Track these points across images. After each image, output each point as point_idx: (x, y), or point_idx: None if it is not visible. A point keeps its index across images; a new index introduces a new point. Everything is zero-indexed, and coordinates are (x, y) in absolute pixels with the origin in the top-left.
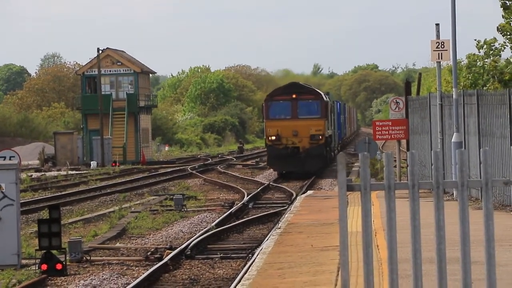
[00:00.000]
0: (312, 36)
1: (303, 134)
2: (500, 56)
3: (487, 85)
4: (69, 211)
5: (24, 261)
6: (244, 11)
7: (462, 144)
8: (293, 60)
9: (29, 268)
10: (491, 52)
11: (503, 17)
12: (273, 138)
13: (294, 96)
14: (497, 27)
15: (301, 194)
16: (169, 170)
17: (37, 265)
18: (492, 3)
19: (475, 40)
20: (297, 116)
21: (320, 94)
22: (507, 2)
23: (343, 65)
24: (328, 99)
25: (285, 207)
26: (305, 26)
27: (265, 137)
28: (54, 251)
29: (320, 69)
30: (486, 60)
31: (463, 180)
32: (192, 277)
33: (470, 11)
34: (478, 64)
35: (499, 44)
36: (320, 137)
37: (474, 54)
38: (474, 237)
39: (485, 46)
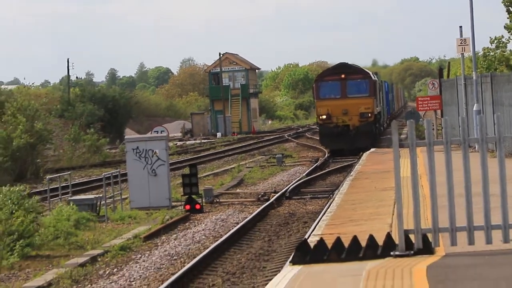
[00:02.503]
0: (368, 37)
1: (353, 112)
2: (506, 47)
3: (498, 69)
4: (203, 168)
5: (173, 203)
6: (321, 20)
7: (481, 111)
8: (357, 54)
9: (177, 208)
10: (500, 44)
11: (509, 19)
12: (324, 117)
13: (343, 76)
14: (504, 26)
15: (366, 151)
16: (271, 137)
17: (182, 206)
18: (501, 8)
19: (490, 37)
20: (346, 95)
21: (368, 73)
22: (510, 8)
23: (393, 57)
24: (376, 78)
25: (355, 161)
26: (362, 31)
27: (316, 117)
28: (194, 196)
29: (377, 62)
30: (497, 51)
31: (482, 136)
32: (290, 211)
33: (486, 15)
34: (491, 54)
35: (505, 38)
36: (370, 114)
37: (488, 48)
38: (491, 177)
39: (495, 41)
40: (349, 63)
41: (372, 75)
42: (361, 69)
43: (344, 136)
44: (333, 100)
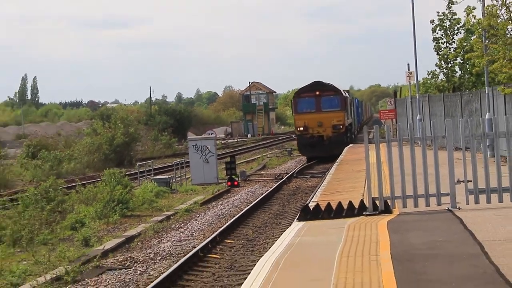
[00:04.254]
0: (347, 68)
1: (326, 124)
2: (438, 78)
3: (432, 92)
4: (239, 157)
5: (219, 181)
6: (317, 56)
7: (422, 119)
8: (340, 81)
9: (222, 184)
10: (433, 75)
11: (438, 60)
12: (301, 128)
13: (317, 93)
14: (435, 64)
15: (347, 146)
16: (284, 137)
17: (225, 182)
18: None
19: (428, 71)
20: (320, 109)
21: (340, 91)
22: (439, 51)
23: (363, 83)
24: (347, 95)
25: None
26: (344, 63)
27: (294, 128)
28: (233, 176)
29: (353, 87)
30: (432, 80)
31: (423, 136)
32: (297, 186)
33: (425, 53)
34: (428, 82)
35: (437, 72)
36: (341, 126)
37: (426, 78)
38: (429, 163)
39: (431, 73)
40: (323, 81)
41: (343, 92)
42: (333, 86)
43: (319, 145)
44: (309, 114)
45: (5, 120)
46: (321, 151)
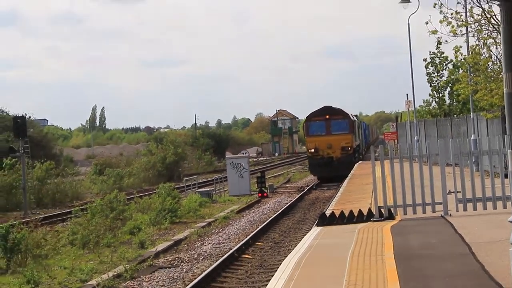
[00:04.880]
0: (357, 97)
1: (336, 146)
2: (431, 105)
3: (427, 117)
4: (268, 173)
5: (252, 193)
6: (332, 88)
7: (419, 140)
8: (351, 108)
9: (254, 195)
10: (428, 103)
11: (431, 91)
12: (312, 150)
13: (327, 117)
14: (429, 94)
15: (357, 163)
16: (305, 155)
17: (257, 194)
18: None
19: (423, 99)
20: (330, 132)
21: (348, 115)
22: (431, 83)
23: (370, 110)
24: (355, 118)
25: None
26: (355, 94)
27: (306, 150)
28: (263, 188)
29: (362, 113)
30: (426, 107)
31: (420, 154)
32: (316, 196)
33: (422, 83)
34: (423, 109)
35: (430, 100)
36: (349, 148)
37: (421, 105)
38: (425, 176)
39: (426, 102)
40: (332, 106)
41: (351, 116)
42: (341, 110)
43: (328, 166)
44: (320, 136)
45: (78, 143)
46: (331, 172)
